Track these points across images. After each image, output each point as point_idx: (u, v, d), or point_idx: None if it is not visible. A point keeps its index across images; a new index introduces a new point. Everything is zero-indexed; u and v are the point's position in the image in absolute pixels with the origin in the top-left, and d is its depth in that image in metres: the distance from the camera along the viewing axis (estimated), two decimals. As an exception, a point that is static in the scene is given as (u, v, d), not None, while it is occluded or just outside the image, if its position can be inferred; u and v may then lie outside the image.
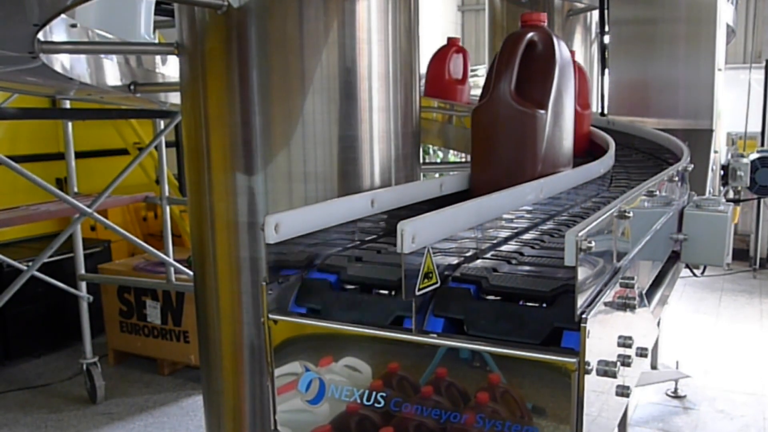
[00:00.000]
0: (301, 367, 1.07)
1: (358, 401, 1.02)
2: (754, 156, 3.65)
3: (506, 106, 1.54)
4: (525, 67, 1.56)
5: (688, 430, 3.81)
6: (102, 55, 2.51)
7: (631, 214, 1.16)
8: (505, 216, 1.31)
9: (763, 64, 6.97)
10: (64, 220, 4.90)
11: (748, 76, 7.12)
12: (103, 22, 2.27)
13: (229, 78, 1.50)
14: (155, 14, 3.49)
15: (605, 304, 0.97)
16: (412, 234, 0.94)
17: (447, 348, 0.95)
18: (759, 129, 6.72)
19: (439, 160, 7.25)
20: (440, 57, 2.83)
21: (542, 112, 1.54)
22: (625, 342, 1.03)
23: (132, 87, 2.63)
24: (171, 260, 4.10)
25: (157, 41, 3.74)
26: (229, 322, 1.62)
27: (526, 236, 1.36)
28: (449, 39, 2.89)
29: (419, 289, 0.97)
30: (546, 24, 1.61)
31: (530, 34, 1.56)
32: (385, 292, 1.08)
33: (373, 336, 1.01)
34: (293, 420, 1.09)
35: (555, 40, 1.58)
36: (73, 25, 2.16)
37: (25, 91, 3.72)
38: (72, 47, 2.24)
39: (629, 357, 1.02)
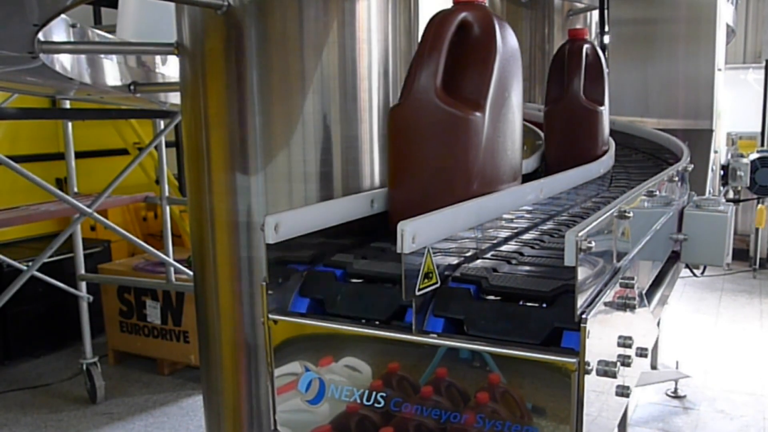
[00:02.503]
0: (301, 367, 1.07)
1: (358, 401, 1.02)
2: (754, 156, 3.65)
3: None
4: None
5: (688, 430, 3.81)
6: (102, 55, 2.51)
7: (631, 214, 1.16)
8: (505, 216, 1.31)
9: (763, 64, 6.97)
10: (64, 220, 4.90)
11: (746, 76, 7.12)
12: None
13: (229, 78, 1.50)
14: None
15: (605, 304, 0.97)
16: (412, 234, 0.94)
17: (447, 348, 0.95)
18: (759, 129, 6.72)
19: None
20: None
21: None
22: (625, 342, 1.03)
23: (132, 87, 2.64)
24: (171, 260, 4.10)
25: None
26: (229, 322, 1.62)
27: (526, 236, 1.36)
28: None
29: (419, 289, 0.97)
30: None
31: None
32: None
33: (373, 336, 1.01)
34: (293, 420, 1.09)
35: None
36: (73, 25, 2.16)
37: (25, 91, 3.72)
38: (72, 47, 2.24)
39: (629, 357, 1.03)
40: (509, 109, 1.29)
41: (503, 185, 1.30)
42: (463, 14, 1.22)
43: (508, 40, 1.27)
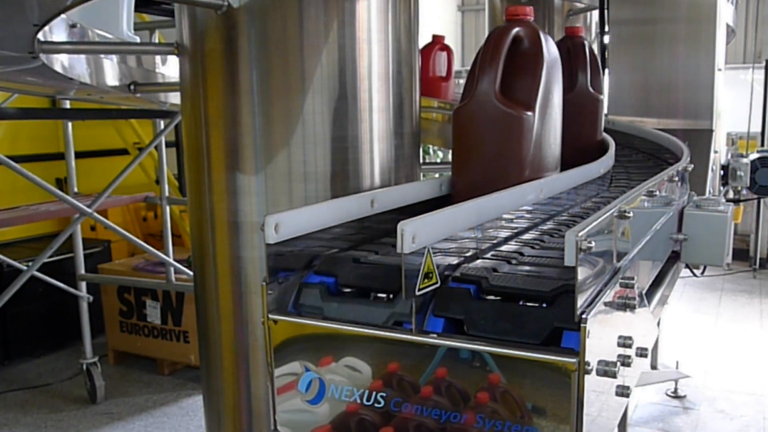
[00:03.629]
0: (301, 367, 1.07)
1: (358, 401, 1.02)
2: (754, 156, 3.65)
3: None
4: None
5: (688, 430, 3.81)
6: (102, 55, 2.51)
7: (631, 214, 1.16)
8: (505, 216, 1.31)
9: (763, 64, 6.97)
10: (64, 220, 4.90)
11: (747, 76, 7.12)
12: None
13: (229, 78, 1.50)
14: (155, 14, 3.49)
15: (605, 304, 0.97)
16: (412, 234, 0.94)
17: (447, 348, 0.95)
18: (759, 129, 6.72)
19: (439, 160, 7.25)
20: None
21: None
22: (625, 342, 1.03)
23: (132, 87, 2.64)
24: (171, 260, 4.10)
25: (157, 41, 3.75)
26: (229, 322, 1.62)
27: (526, 236, 1.36)
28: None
29: (419, 289, 0.97)
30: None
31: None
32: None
33: (373, 336, 1.01)
34: (293, 420, 1.09)
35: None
36: (73, 25, 2.16)
37: (25, 91, 3.72)
38: (72, 47, 2.24)
39: (629, 357, 1.03)
40: (553, 108, 1.52)
41: (548, 173, 1.52)
42: (516, 29, 1.46)
43: (551, 51, 1.50)
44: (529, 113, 1.44)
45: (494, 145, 1.47)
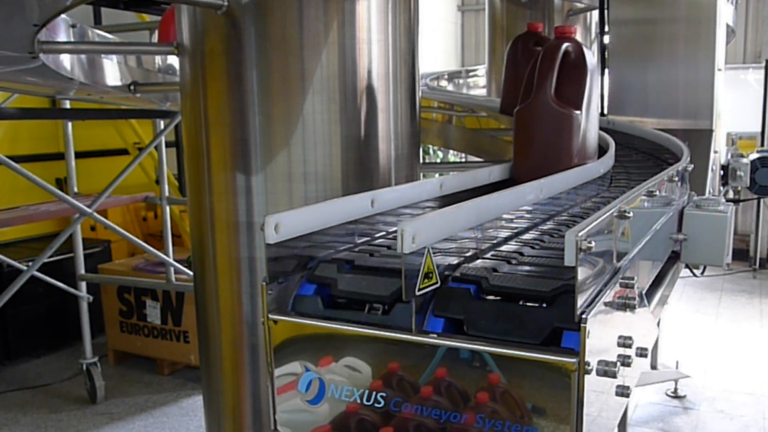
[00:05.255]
0: (301, 367, 1.07)
1: (358, 401, 1.02)
2: (754, 156, 3.65)
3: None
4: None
5: (688, 430, 3.81)
6: (101, 55, 2.51)
7: (631, 214, 1.16)
8: (505, 216, 1.31)
9: (763, 64, 6.97)
10: (63, 220, 4.90)
11: (746, 76, 7.12)
12: None
13: (228, 78, 1.50)
14: (155, 14, 3.49)
15: (605, 304, 0.97)
16: (413, 234, 0.94)
17: (447, 348, 0.95)
18: (759, 129, 6.72)
19: (439, 160, 7.25)
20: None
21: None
22: (625, 342, 1.03)
23: (132, 87, 2.63)
24: (171, 260, 4.10)
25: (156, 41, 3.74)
26: (229, 322, 1.62)
27: (526, 236, 1.36)
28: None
29: (419, 289, 0.97)
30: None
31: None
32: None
33: (373, 336, 1.01)
34: (293, 420, 1.09)
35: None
36: (73, 25, 2.16)
37: (25, 91, 3.72)
38: (72, 47, 2.24)
39: (629, 357, 1.02)
40: (593, 107, 1.84)
41: (590, 160, 1.84)
42: (565, 45, 1.78)
43: (591, 61, 1.82)
44: (578, 112, 1.77)
45: (550, 137, 1.78)
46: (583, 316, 0.88)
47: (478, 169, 1.75)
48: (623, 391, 1.02)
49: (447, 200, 1.47)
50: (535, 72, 1.79)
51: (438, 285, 1.01)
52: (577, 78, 1.79)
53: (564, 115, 1.77)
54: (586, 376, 0.87)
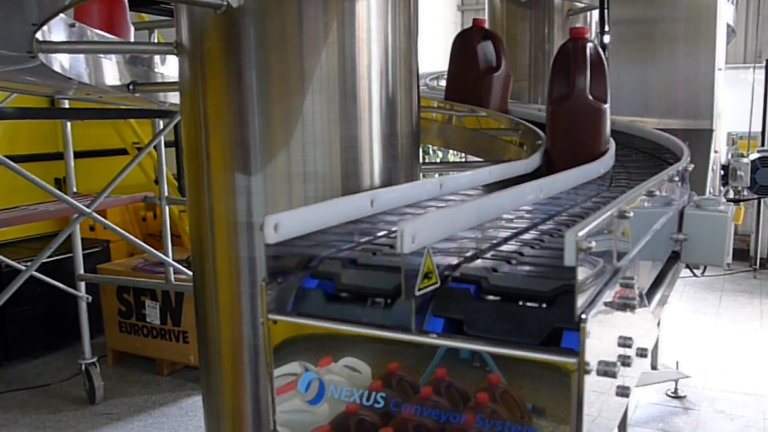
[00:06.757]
0: (300, 367, 1.07)
1: (358, 401, 1.02)
2: (755, 156, 3.65)
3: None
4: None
5: (688, 431, 3.81)
6: (101, 55, 2.51)
7: (631, 214, 1.16)
8: (505, 216, 1.31)
9: (764, 63, 6.97)
10: (63, 220, 4.89)
11: (746, 75, 7.12)
12: None
13: (228, 78, 1.50)
14: (155, 14, 3.49)
15: (605, 304, 0.96)
16: (412, 234, 0.93)
17: (447, 348, 0.95)
18: (759, 129, 6.72)
19: (439, 160, 7.25)
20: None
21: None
22: (625, 342, 1.03)
23: (131, 87, 2.63)
24: (170, 260, 4.10)
25: (156, 41, 3.74)
26: (228, 322, 1.61)
27: (526, 236, 1.36)
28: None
29: (419, 289, 0.97)
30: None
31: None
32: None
33: (373, 336, 1.00)
34: (293, 420, 1.09)
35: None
36: (72, 25, 2.16)
37: (24, 91, 3.71)
38: (71, 47, 2.24)
39: (629, 357, 1.02)
40: (609, 100, 2.06)
41: (608, 145, 2.04)
42: (589, 45, 1.99)
43: (605, 57, 2.04)
44: (606, 105, 2.00)
45: (584, 127, 2.00)
46: (583, 316, 0.87)
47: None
48: (623, 392, 1.01)
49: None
50: (558, 69, 2.00)
51: (438, 285, 1.01)
52: (600, 75, 2.00)
53: (599, 109, 2.00)
54: (586, 376, 0.87)
